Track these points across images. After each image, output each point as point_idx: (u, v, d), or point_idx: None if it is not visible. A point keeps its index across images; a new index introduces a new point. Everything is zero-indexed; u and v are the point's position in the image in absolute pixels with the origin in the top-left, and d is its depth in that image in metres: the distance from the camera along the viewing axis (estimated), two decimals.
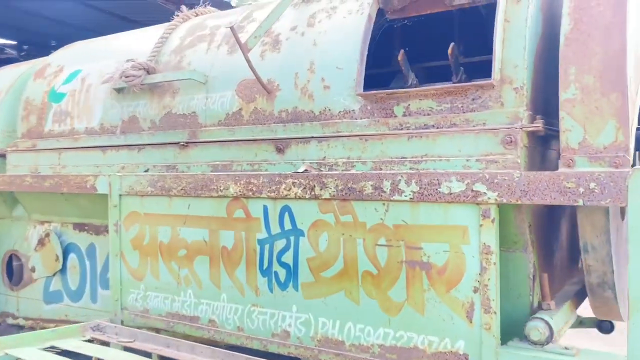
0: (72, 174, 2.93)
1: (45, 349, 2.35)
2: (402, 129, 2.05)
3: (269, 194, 2.20)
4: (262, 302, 2.24)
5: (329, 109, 2.25)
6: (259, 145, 2.41)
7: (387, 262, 1.92)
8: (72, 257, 3.33)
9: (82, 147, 3.11)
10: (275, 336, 2.20)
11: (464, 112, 1.94)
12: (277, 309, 2.20)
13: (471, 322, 1.77)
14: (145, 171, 2.79)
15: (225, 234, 2.34)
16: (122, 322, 2.70)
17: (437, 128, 1.97)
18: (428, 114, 2.01)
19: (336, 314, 2.05)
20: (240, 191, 2.28)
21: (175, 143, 2.69)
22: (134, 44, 3.26)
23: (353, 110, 2.19)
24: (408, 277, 1.88)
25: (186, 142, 2.63)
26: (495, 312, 1.73)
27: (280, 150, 2.34)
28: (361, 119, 2.16)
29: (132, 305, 2.67)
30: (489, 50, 2.31)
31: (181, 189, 2.46)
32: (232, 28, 2.19)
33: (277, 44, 2.49)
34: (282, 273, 2.18)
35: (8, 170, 3.49)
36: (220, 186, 2.33)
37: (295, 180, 2.13)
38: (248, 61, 2.29)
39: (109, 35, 3.63)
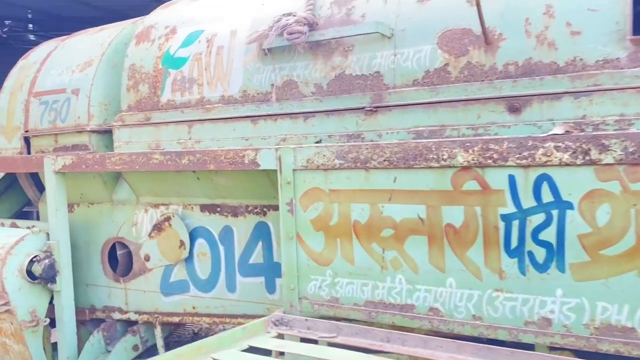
0: (222, 149, 2.55)
1: (245, 350, 2.03)
2: None
3: (518, 161, 1.88)
4: (509, 286, 1.94)
5: (581, 59, 1.93)
6: (482, 105, 2.08)
7: None
8: (200, 242, 2.98)
9: (220, 119, 2.73)
10: (529, 324, 1.91)
11: None
12: (532, 294, 1.90)
13: None
14: (318, 142, 2.44)
15: (450, 210, 2.02)
16: (300, 314, 2.38)
17: None
18: None
19: (624, 297, 1.76)
20: (473, 159, 1.95)
21: (356, 109, 2.34)
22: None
23: (617, 58, 1.87)
24: None
25: (375, 107, 2.28)
26: None
27: (515, 110, 2.01)
28: (631, 68, 1.84)
29: (315, 294, 2.35)
30: None
31: (384, 160, 2.12)
32: None
33: None
34: (539, 253, 1.88)
35: (117, 147, 3.09)
36: (442, 155, 2.00)
37: (559, 144, 1.81)
38: (479, 7, 1.94)
39: None
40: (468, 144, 1.96)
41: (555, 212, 1.84)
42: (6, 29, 17.25)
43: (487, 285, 1.98)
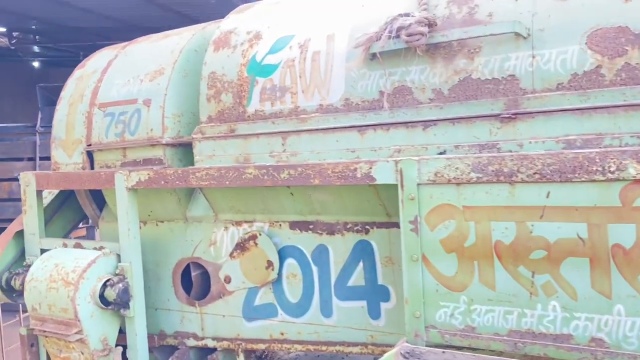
0: (328, 162, 2.33)
1: None
2: None
3: None
4: None
5: None
6: None
7: None
8: (290, 263, 2.76)
9: (319, 129, 2.51)
10: None
11: None
12: None
13: None
14: (441, 153, 2.23)
15: (619, 229, 1.80)
16: (425, 344, 2.15)
17: None
18: None
19: None
20: None
21: (489, 116, 2.13)
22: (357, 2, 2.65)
23: None
24: None
25: (514, 114, 2.06)
26: None
27: None
28: None
29: (446, 322, 2.12)
30: None
31: (534, 173, 1.90)
32: None
33: None
34: None
35: (198, 162, 2.87)
36: (609, 166, 1.78)
37: None
38: None
39: None
40: None
41: None
42: (14, 40, 17.06)
43: None
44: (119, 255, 2.99)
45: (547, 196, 1.91)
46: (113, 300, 2.85)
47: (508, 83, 2.12)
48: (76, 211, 3.78)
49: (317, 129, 2.51)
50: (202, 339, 3.06)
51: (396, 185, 2.19)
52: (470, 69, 2.19)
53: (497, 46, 2.14)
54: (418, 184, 2.12)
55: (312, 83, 2.55)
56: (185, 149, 3.07)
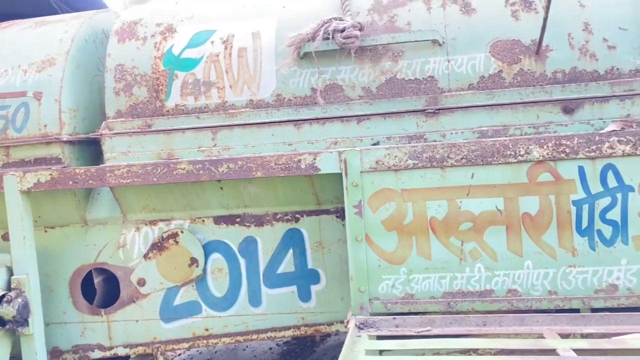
0: (271, 154, 2.42)
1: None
2: None
3: (587, 154, 2.21)
4: (581, 261, 2.26)
5: (617, 69, 2.35)
6: (541, 107, 2.37)
7: None
8: (215, 258, 2.77)
9: (253, 124, 2.58)
10: (599, 292, 2.25)
11: None
12: (601, 266, 2.25)
13: None
14: (375, 144, 2.48)
15: (526, 200, 2.27)
16: (370, 315, 2.40)
17: None
18: None
19: None
20: (548, 154, 2.23)
21: (416, 111, 2.45)
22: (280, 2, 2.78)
23: None
24: None
25: (437, 109, 2.42)
26: None
27: (569, 111, 2.35)
28: None
29: (387, 293, 2.39)
30: None
31: (461, 158, 2.29)
32: None
33: (531, 5, 2.45)
34: (607, 230, 2.24)
35: (109, 159, 2.69)
36: (519, 151, 2.25)
37: (622, 138, 2.19)
38: (545, 22, 2.24)
39: None
40: (542, 140, 2.24)
41: (619, 195, 2.22)
42: None
43: (561, 263, 2.28)
44: (8, 268, 2.64)
45: (472, 177, 2.30)
46: (12, 318, 2.52)
47: (428, 83, 2.48)
48: None
49: (250, 124, 2.57)
50: (110, 348, 2.86)
51: (334, 174, 2.41)
52: (395, 70, 2.50)
53: (417, 51, 2.49)
54: (361, 172, 2.36)
55: (241, 79, 2.61)
56: (81, 147, 2.84)
